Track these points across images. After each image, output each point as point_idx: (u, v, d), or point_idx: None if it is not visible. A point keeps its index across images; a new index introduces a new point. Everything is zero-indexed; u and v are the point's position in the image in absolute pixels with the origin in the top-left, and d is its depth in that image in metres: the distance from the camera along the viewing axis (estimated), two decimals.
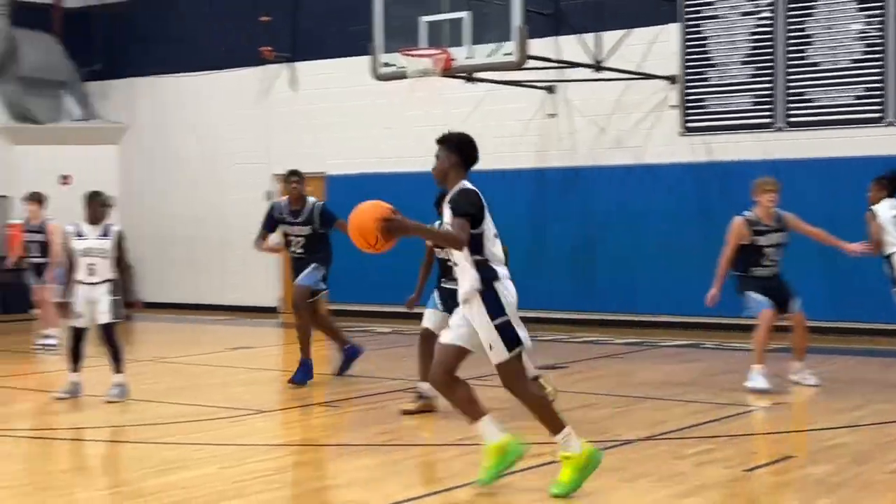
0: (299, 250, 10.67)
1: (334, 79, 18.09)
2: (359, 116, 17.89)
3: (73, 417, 9.13)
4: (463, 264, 6.24)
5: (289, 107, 18.71)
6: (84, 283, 9.55)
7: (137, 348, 15.64)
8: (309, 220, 10.66)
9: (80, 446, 8.30)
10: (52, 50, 20.61)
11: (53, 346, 13.26)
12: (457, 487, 6.54)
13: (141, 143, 20.37)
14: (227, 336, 15.58)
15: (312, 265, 10.64)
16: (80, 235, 9.60)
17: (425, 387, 8.68)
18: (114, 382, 9.54)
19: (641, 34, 15.61)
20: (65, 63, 20.69)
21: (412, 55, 14.10)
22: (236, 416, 8.99)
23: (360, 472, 7.03)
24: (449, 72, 14.20)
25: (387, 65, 14.68)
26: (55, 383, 10.25)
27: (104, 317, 9.54)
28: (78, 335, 9.61)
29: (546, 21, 15.63)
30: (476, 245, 6.19)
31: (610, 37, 15.31)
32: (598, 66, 15.17)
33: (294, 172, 10.82)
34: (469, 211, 6.18)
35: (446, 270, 8.55)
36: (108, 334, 9.57)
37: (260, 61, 18.62)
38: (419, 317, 8.92)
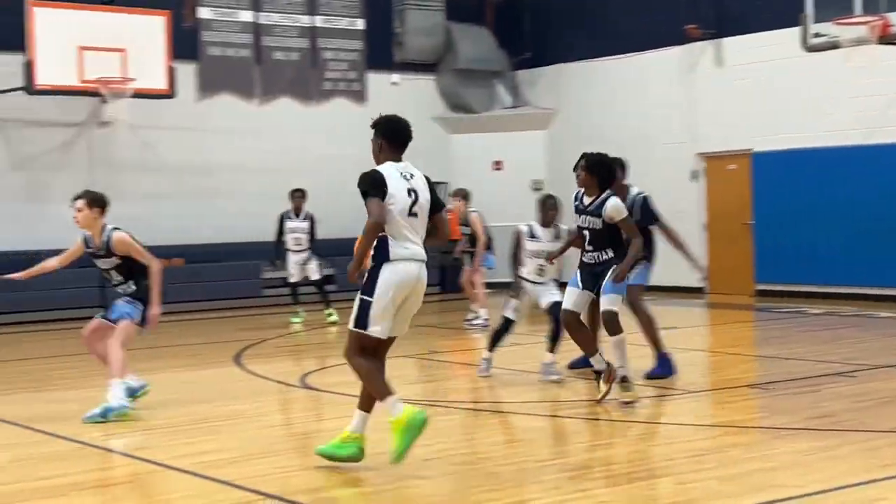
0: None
1: (761, 53, 17.57)
2: (787, 91, 17.29)
3: (499, 392, 9.55)
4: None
5: (714, 84, 18.43)
6: (533, 283, 9.82)
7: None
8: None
9: (515, 420, 8.65)
10: (485, 41, 21.60)
11: (481, 324, 14.05)
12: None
13: (568, 127, 20.87)
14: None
15: (643, 264, 9.50)
16: (533, 237, 9.89)
17: (596, 360, 8.68)
18: (546, 362, 9.77)
19: None
20: (497, 53, 21.61)
21: (846, 24, 13.45)
22: (665, 396, 9.02)
23: (793, 455, 6.84)
24: (887, 38, 13.41)
25: (818, 35, 14.13)
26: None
27: (551, 298, 9.70)
28: (507, 325, 9.95)
29: None
30: None
31: None
32: None
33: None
34: (369, 191, 6.35)
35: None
36: (555, 316, 9.56)
37: (684, 40, 18.48)
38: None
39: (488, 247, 14.61)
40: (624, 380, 8.47)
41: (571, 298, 8.72)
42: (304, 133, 19.83)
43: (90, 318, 8.93)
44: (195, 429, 8.20)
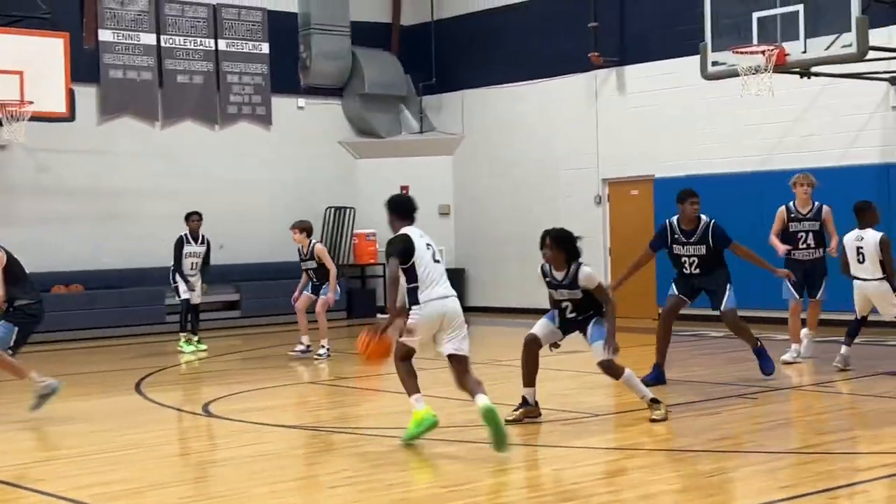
0: (695, 270, 10.58)
1: (662, 80, 17.92)
2: (688, 118, 17.63)
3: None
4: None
5: (617, 111, 18.72)
6: None
7: (473, 351, 16.11)
8: (703, 240, 10.53)
9: (422, 445, 8.62)
10: (390, 67, 21.66)
11: (300, 352, 14.04)
12: (798, 497, 6.31)
13: (474, 152, 21.00)
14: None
15: (728, 286, 10.56)
16: None
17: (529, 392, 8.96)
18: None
19: None
20: (402, 78, 21.68)
21: (743, 52, 13.75)
22: (569, 420, 9.08)
23: (696, 477, 6.93)
24: (782, 67, 13.75)
25: (716, 63, 14.41)
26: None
27: None
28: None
29: (887, 9, 14.81)
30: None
31: None
32: None
33: (693, 193, 10.67)
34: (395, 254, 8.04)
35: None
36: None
37: (588, 67, 18.75)
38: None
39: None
40: (653, 401, 8.81)
41: (541, 328, 8.99)
42: (208, 157, 19.63)
43: None
44: (95, 459, 8.02)
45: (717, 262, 10.61)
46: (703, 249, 10.50)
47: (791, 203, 11.82)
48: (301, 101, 20.94)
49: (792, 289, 11.74)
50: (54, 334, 15.91)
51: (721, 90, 15.90)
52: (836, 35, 13.23)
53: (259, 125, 20.30)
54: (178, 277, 15.14)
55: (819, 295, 11.87)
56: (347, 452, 8.19)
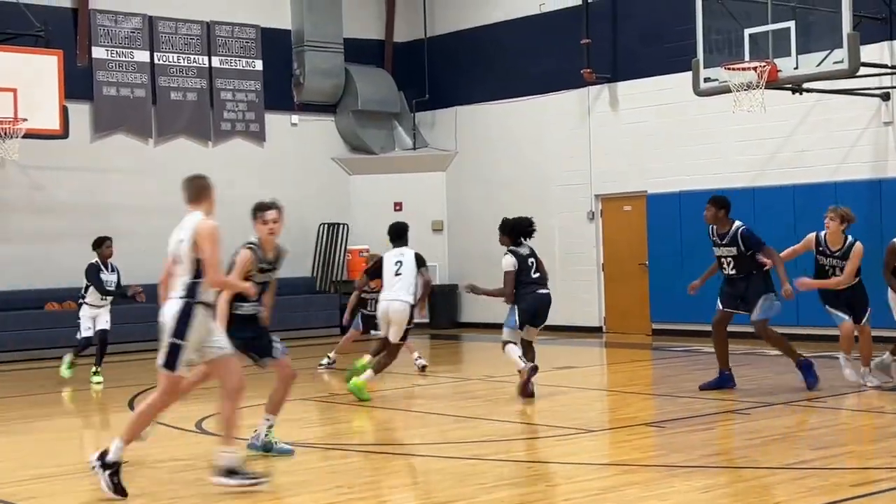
0: (731, 271, 11.11)
1: (654, 97, 17.98)
2: (680, 134, 17.68)
3: (399, 434, 9.52)
4: None
5: (609, 127, 18.76)
6: None
7: (467, 367, 16.12)
8: (733, 243, 11.05)
9: (416, 461, 8.64)
10: (384, 83, 21.70)
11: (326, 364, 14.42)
12: None
13: (467, 168, 21.04)
14: (551, 355, 15.78)
15: (763, 297, 10.92)
16: None
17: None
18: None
19: None
20: (396, 95, 21.73)
21: (735, 69, 13.81)
22: (563, 435, 9.08)
23: (689, 493, 6.93)
24: (774, 83, 13.81)
25: (708, 80, 14.47)
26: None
27: None
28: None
29: (879, 25, 14.89)
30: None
31: None
32: None
33: (710, 199, 11.26)
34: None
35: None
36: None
37: (580, 83, 18.80)
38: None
39: None
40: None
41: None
42: (202, 173, 19.59)
43: None
44: (88, 476, 7.99)
45: (752, 265, 10.95)
46: (734, 251, 11.02)
47: (822, 234, 11.03)
48: (294, 118, 20.97)
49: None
50: (48, 351, 15.92)
51: (713, 106, 15.96)
52: (827, 51, 13.32)
53: (252, 142, 20.32)
54: (83, 311, 13.75)
55: (864, 321, 11.06)
56: (341, 468, 8.18)
